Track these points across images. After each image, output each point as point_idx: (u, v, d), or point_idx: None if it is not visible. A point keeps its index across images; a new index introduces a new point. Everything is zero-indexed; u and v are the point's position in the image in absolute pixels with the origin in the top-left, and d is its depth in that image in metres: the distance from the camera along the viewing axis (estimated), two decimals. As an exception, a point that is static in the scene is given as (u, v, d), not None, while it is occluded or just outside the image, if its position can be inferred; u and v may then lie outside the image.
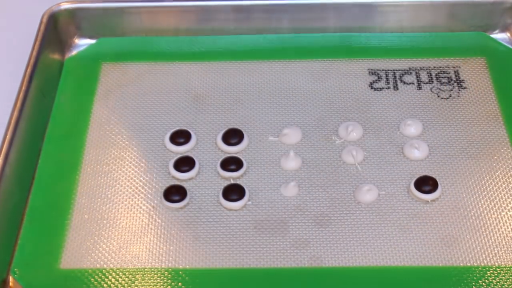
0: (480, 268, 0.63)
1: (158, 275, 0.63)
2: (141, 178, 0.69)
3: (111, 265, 0.63)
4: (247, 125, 0.74)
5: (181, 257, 0.64)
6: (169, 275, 0.63)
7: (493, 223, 0.66)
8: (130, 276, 0.63)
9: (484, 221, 0.66)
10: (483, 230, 0.65)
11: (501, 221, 0.66)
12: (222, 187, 0.68)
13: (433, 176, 0.68)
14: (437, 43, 0.81)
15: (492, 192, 0.68)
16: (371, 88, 0.77)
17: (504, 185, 0.68)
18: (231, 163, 0.69)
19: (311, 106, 0.75)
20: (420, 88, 0.77)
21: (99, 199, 0.68)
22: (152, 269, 0.63)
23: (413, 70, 0.78)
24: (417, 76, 0.78)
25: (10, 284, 0.63)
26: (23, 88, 0.73)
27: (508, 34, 0.83)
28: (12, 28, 0.85)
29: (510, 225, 0.65)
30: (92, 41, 0.83)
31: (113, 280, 0.63)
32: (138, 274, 0.63)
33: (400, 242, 0.64)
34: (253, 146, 0.72)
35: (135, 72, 0.79)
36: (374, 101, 0.76)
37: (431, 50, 0.80)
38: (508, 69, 0.78)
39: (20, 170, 0.69)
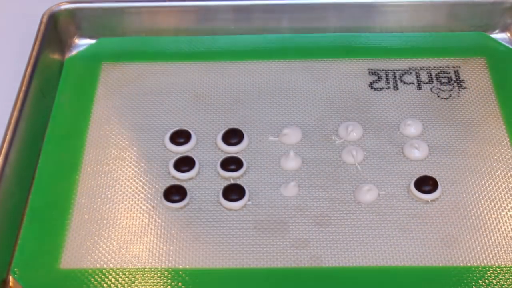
0: (480, 268, 0.63)
1: (158, 275, 0.63)
2: (141, 178, 0.69)
3: (111, 265, 0.64)
4: (247, 125, 0.74)
5: (181, 257, 0.64)
6: (169, 275, 0.63)
7: (493, 223, 0.66)
8: (130, 276, 0.63)
9: (484, 221, 0.66)
10: (483, 230, 0.65)
11: (501, 221, 0.66)
12: (222, 187, 0.68)
13: (433, 176, 0.68)
14: (437, 43, 0.81)
15: (492, 192, 0.68)
16: (371, 88, 0.77)
17: (504, 185, 0.68)
18: (231, 163, 0.69)
19: (311, 106, 0.75)
20: (420, 88, 0.77)
21: (99, 199, 0.68)
22: (152, 269, 0.63)
23: (413, 70, 0.78)
24: (417, 76, 0.78)
25: (10, 284, 0.63)
26: (23, 88, 0.73)
27: (508, 34, 0.83)
28: (12, 28, 0.85)
29: (510, 225, 0.65)
30: (92, 41, 0.83)
31: (113, 280, 0.63)
32: (138, 274, 0.63)
33: (400, 242, 0.64)
34: (253, 146, 0.72)
35: (135, 72, 0.79)
36: (374, 101, 0.76)
37: (431, 50, 0.80)
38: (508, 69, 0.78)
39: (20, 170, 0.69)
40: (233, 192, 0.67)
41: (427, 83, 0.77)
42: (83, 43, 0.83)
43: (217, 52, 0.81)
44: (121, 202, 0.68)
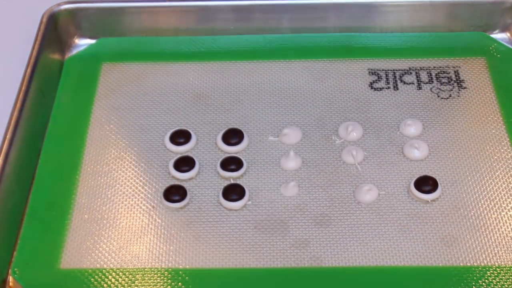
0: (480, 268, 0.63)
1: (158, 275, 0.63)
2: (141, 178, 0.69)
3: (111, 265, 0.63)
4: (247, 125, 0.74)
5: (181, 257, 0.64)
6: (169, 275, 0.63)
7: (493, 223, 0.66)
8: (130, 276, 0.63)
9: (484, 221, 0.66)
10: (483, 230, 0.65)
11: (501, 221, 0.66)
12: (222, 187, 0.68)
13: (433, 176, 0.68)
14: (437, 43, 0.81)
15: (492, 192, 0.68)
16: (371, 88, 0.77)
17: (504, 185, 0.68)
18: (231, 163, 0.69)
19: (311, 106, 0.75)
20: (420, 88, 0.77)
21: (99, 199, 0.68)
22: (152, 269, 0.63)
23: (413, 70, 0.78)
24: (417, 76, 0.78)
25: (10, 284, 0.63)
26: (23, 88, 0.73)
27: (508, 34, 0.83)
28: (12, 28, 0.85)
29: (510, 225, 0.65)
30: (92, 41, 0.83)
31: (113, 280, 0.63)
32: (138, 274, 0.63)
33: (400, 242, 0.64)
34: (253, 146, 0.72)
35: (135, 72, 0.79)
36: (374, 101, 0.76)
37: (431, 50, 0.80)
38: (508, 69, 0.78)
39: (20, 170, 0.69)
40: (233, 192, 0.67)
41: (427, 83, 0.77)
42: (83, 43, 0.83)
43: (217, 52, 0.81)
44: (121, 202, 0.68)
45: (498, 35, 0.82)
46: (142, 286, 0.62)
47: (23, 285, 0.63)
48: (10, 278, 0.63)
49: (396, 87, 0.77)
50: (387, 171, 0.70)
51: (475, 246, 0.64)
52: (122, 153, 0.71)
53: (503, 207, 0.67)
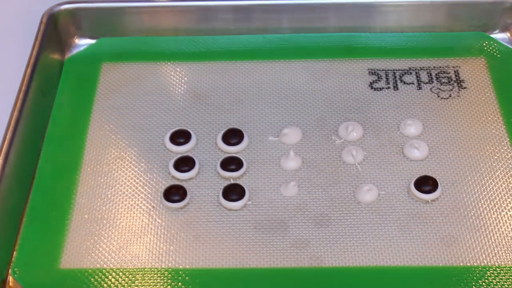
0: (480, 268, 0.63)
1: (158, 275, 0.63)
2: (141, 178, 0.69)
3: (111, 265, 0.63)
4: (247, 125, 0.74)
5: (181, 257, 0.64)
6: (169, 275, 0.63)
7: (493, 223, 0.66)
8: (130, 276, 0.63)
9: (484, 221, 0.66)
10: (483, 230, 0.65)
11: (501, 221, 0.66)
12: (222, 187, 0.68)
13: (433, 176, 0.68)
14: (437, 43, 0.81)
15: (492, 192, 0.68)
16: (371, 88, 0.77)
17: (504, 185, 0.68)
18: (231, 163, 0.69)
19: (311, 106, 0.75)
20: (420, 88, 0.77)
21: (99, 199, 0.68)
22: (152, 269, 0.63)
23: (413, 70, 0.78)
24: (417, 76, 0.78)
25: (10, 284, 0.63)
26: (23, 88, 0.73)
27: (508, 34, 0.83)
28: (12, 28, 0.85)
29: (510, 225, 0.65)
30: (92, 41, 0.83)
31: (113, 280, 0.63)
32: (138, 274, 0.63)
33: (400, 242, 0.64)
34: (253, 146, 0.72)
35: (135, 72, 0.79)
36: (374, 101, 0.76)
37: (431, 50, 0.80)
38: (508, 69, 0.78)
39: (20, 170, 0.69)
40: (233, 192, 0.67)
41: (427, 83, 0.77)
42: (83, 43, 0.83)
43: (217, 52, 0.81)
44: (121, 202, 0.68)
45: (498, 35, 0.82)
46: (142, 286, 0.62)
47: (23, 285, 0.63)
48: (10, 278, 0.63)
49: (396, 87, 0.77)
50: (387, 171, 0.70)
51: (475, 246, 0.64)
52: (122, 153, 0.71)
53: (503, 207, 0.67)
